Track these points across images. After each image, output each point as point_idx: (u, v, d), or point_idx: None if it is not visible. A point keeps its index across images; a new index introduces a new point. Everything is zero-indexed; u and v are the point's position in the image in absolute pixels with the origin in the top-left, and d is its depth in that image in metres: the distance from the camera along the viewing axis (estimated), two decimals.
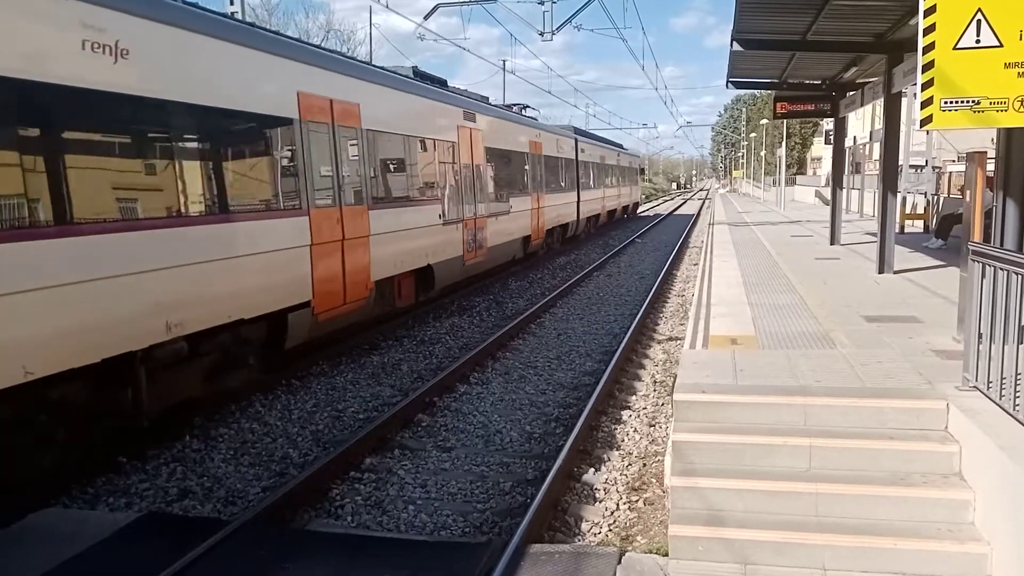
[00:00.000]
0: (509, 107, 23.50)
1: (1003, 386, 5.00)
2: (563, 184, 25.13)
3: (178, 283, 7.12)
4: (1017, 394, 4.82)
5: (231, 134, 8.40)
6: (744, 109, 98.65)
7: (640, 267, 21.49)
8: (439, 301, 14.71)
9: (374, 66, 13.31)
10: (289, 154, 9.12)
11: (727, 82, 17.82)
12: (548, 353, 11.11)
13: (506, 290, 17.20)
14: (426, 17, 25.03)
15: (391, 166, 12.08)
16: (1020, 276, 4.76)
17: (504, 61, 38.31)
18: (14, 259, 5.54)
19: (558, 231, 24.77)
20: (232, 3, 22.53)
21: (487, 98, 19.20)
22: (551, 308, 14.75)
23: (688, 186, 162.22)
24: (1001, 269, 5.02)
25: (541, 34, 24.92)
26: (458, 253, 14.53)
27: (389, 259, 11.36)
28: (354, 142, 10.55)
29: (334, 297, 9.72)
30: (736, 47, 13.26)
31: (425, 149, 13.34)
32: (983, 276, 5.28)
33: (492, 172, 17.35)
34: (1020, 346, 4.83)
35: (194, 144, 7.80)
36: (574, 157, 27.03)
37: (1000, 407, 5.02)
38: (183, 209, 7.40)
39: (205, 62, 7.73)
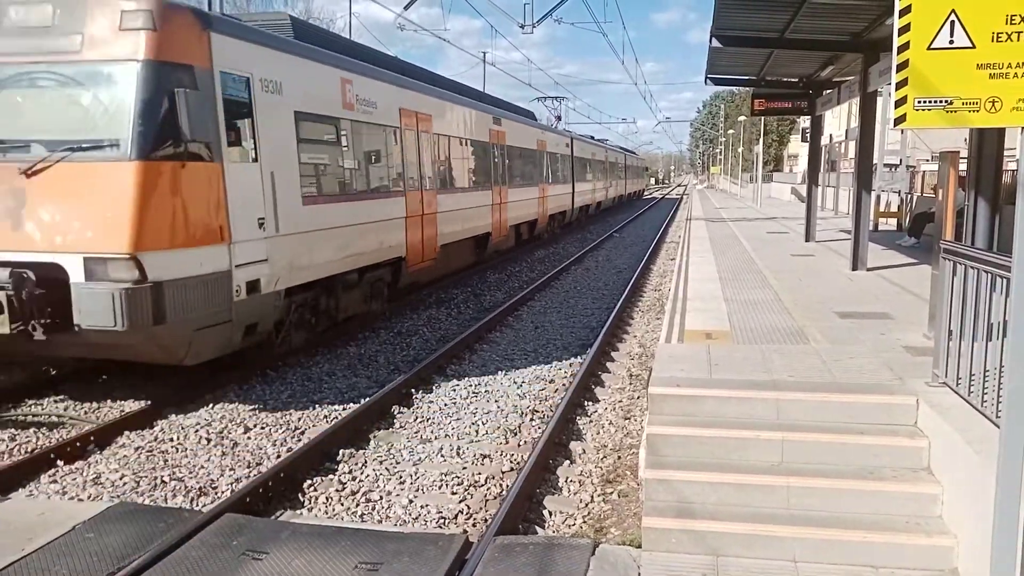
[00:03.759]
0: (603, 140, 47.54)
1: (972, 382, 5.09)
2: (623, 176, 52.44)
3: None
4: (985, 390, 4.90)
5: (550, 159, 27.24)
6: (722, 106, 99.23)
7: (617, 261, 21.56)
8: (418, 294, 14.74)
9: (598, 140, 46.38)
10: (564, 164, 29.78)
11: (706, 78, 17.91)
12: (525, 346, 11.12)
13: (484, 283, 17.19)
14: (406, 7, 24.87)
15: (619, 171, 52.69)
16: (990, 274, 4.83)
17: (484, 53, 38.33)
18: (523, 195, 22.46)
19: (618, 198, 50.24)
20: None
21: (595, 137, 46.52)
22: (529, 301, 14.76)
23: (666, 181, 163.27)
24: (971, 267, 5.10)
25: (522, 27, 24.91)
26: (611, 196, 45.55)
27: (602, 195, 41.64)
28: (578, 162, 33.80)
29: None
30: (715, 43, 13.33)
31: (600, 164, 40.00)
32: (954, 274, 5.36)
33: (613, 170, 46.08)
34: (989, 343, 4.90)
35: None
36: (623, 163, 53.76)
37: (969, 403, 5.10)
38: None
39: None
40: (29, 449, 7.05)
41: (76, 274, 7.06)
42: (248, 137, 8.52)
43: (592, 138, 42.76)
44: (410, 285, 13.87)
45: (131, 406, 8.15)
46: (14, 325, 6.91)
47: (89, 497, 6.06)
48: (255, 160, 8.58)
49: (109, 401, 8.38)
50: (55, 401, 8.39)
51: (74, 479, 6.37)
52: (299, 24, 10.96)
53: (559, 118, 38.41)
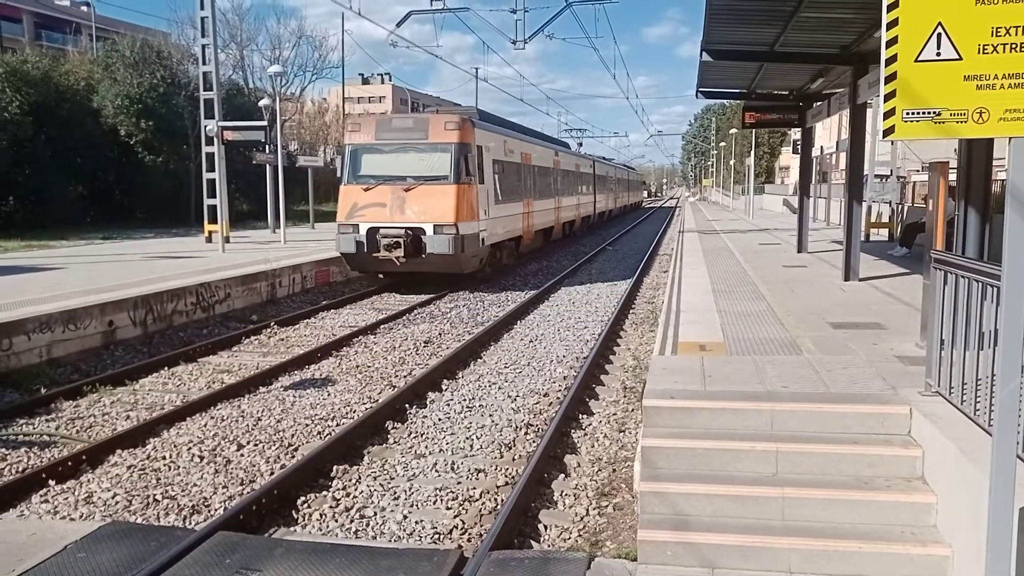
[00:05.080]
0: (610, 159, 57.37)
1: (964, 391, 5.10)
2: (627, 189, 60.76)
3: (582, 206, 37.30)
4: (978, 399, 4.91)
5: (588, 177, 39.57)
6: (714, 119, 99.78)
7: (611, 274, 21.58)
8: (411, 315, 14.76)
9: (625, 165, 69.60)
10: (589, 180, 39.33)
11: (697, 92, 18.00)
12: (520, 359, 11.11)
13: (477, 298, 17.18)
14: (399, 24, 25.10)
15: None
16: (981, 284, 4.86)
17: (477, 69, 38.89)
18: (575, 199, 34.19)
19: (623, 207, 57.62)
20: (203, 8, 22.33)
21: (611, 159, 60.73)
22: (523, 316, 14.75)
23: (659, 194, 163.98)
24: (962, 277, 5.12)
25: (513, 42, 25.09)
26: (619, 205, 54.61)
27: (612, 204, 50.26)
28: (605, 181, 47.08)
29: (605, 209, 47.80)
30: (706, 57, 13.43)
31: (612, 179, 50.11)
32: (945, 284, 5.38)
33: (620, 184, 55.10)
34: (981, 352, 4.92)
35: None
36: (627, 178, 62.08)
37: (962, 412, 5.11)
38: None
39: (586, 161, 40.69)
40: (20, 469, 7.00)
41: (429, 232, 16.34)
42: (480, 173, 17.81)
43: (604, 158, 53.36)
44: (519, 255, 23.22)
45: (123, 424, 8.10)
46: (405, 256, 16.16)
47: (81, 516, 6.01)
48: (483, 183, 18.00)
49: (101, 418, 8.34)
50: (46, 420, 8.34)
51: (66, 498, 6.32)
52: (482, 112, 21.51)
53: (581, 144, 55.91)
